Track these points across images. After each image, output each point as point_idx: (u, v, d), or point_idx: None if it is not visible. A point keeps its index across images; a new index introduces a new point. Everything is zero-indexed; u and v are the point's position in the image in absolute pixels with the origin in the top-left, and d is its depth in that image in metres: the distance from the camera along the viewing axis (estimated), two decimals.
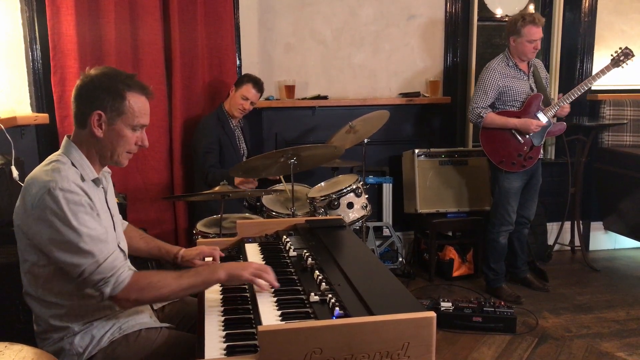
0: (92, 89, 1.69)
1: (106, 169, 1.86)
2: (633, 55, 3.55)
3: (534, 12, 4.38)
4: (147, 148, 1.82)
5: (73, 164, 1.69)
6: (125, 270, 1.63)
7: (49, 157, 1.74)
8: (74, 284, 1.68)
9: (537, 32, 3.48)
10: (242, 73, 3.90)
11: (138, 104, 1.72)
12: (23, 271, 1.73)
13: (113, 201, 1.90)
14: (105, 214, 1.79)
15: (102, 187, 1.81)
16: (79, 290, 1.70)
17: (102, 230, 1.66)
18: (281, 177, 3.50)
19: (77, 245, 1.58)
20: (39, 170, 1.68)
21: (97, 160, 1.76)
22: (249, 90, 3.53)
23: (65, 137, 1.77)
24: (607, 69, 3.54)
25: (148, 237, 2.15)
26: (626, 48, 3.55)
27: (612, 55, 3.60)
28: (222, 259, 2.05)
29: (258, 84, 3.56)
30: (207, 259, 2.04)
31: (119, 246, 1.84)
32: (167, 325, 1.88)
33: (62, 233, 1.57)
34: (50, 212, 1.57)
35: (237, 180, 3.33)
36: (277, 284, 1.66)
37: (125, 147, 1.75)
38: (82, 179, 1.69)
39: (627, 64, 3.57)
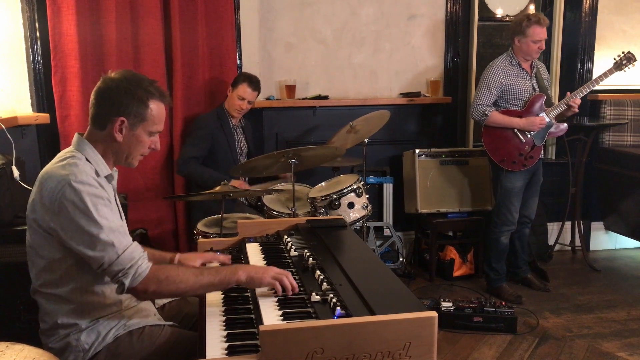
0: (117, 94, 1.71)
1: (114, 168, 1.88)
2: (635, 60, 3.58)
3: (538, 12, 4.37)
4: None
5: (87, 160, 1.72)
6: (144, 262, 1.64)
7: (60, 153, 1.75)
8: (86, 280, 1.70)
9: (541, 33, 3.50)
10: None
11: (158, 111, 1.77)
12: (36, 268, 1.73)
13: (117, 200, 1.91)
14: (117, 209, 1.81)
15: (112, 184, 1.83)
16: (91, 286, 1.72)
17: (120, 223, 1.69)
18: (288, 175, 3.50)
19: (98, 236, 1.59)
20: (53, 166, 1.69)
21: (112, 160, 1.79)
22: (244, 89, 3.52)
23: (76, 135, 1.78)
24: (609, 72, 3.58)
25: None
26: (629, 52, 3.58)
27: (614, 59, 3.62)
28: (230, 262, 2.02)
29: (253, 82, 3.54)
30: (208, 265, 2.02)
31: None
32: (170, 323, 1.89)
33: (84, 225, 1.59)
34: (72, 204, 1.59)
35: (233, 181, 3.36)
36: (296, 289, 1.66)
37: (141, 150, 1.79)
38: (97, 174, 1.71)
39: (629, 68, 3.59)
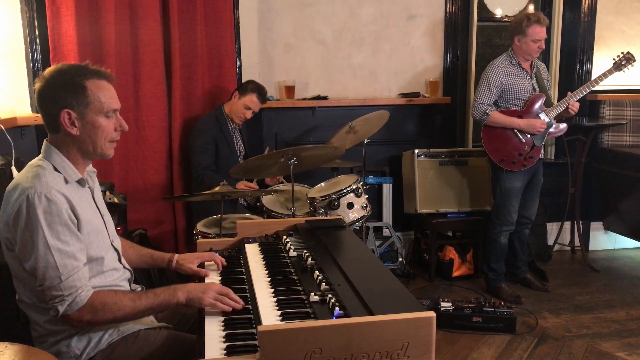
0: (51, 89, 1.65)
1: (91, 168, 1.84)
2: (634, 60, 3.60)
3: (538, 12, 4.38)
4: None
5: (55, 168, 1.67)
6: (84, 291, 1.59)
7: (31, 162, 1.71)
8: None
9: (541, 32, 3.50)
10: (242, 73, 3.90)
11: (102, 90, 1.68)
12: (14, 279, 1.71)
13: (101, 200, 1.88)
14: (95, 213, 1.78)
15: (89, 187, 1.79)
16: None
17: (76, 247, 1.62)
18: (280, 178, 3.50)
19: (45, 256, 1.55)
20: (20, 177, 1.65)
21: (80, 158, 1.73)
22: (252, 100, 3.51)
23: (44, 142, 1.73)
24: (609, 72, 3.59)
25: (138, 246, 2.12)
26: (628, 53, 3.60)
27: (614, 59, 3.63)
28: (226, 263, 2.01)
29: (262, 95, 3.54)
30: (207, 263, 2.01)
31: (112, 245, 1.83)
32: (165, 325, 1.88)
33: (33, 242, 1.55)
34: (25, 218, 1.56)
35: (240, 184, 3.35)
36: (239, 306, 1.62)
37: (105, 136, 1.70)
38: (66, 182, 1.67)
39: (628, 69, 3.61)
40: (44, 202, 1.56)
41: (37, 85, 1.68)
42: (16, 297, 1.75)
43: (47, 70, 1.69)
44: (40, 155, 1.71)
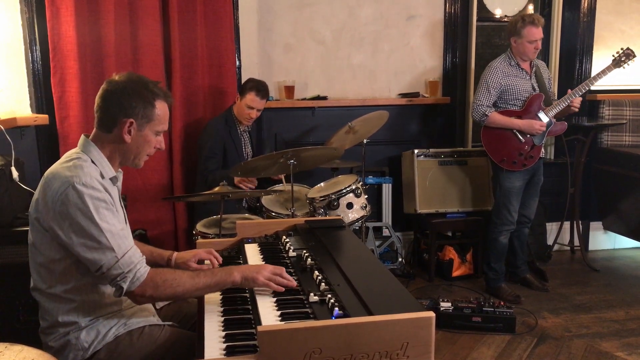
0: (124, 96, 1.72)
1: (119, 170, 1.89)
2: (634, 56, 3.58)
3: (533, 12, 4.38)
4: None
5: (93, 162, 1.73)
6: (142, 267, 1.66)
7: (67, 154, 1.77)
8: (85, 280, 1.71)
9: (537, 33, 3.50)
10: (242, 74, 3.90)
11: (163, 110, 1.80)
12: (36, 266, 1.75)
13: (122, 202, 1.93)
14: (120, 211, 1.82)
15: (117, 186, 1.84)
16: (90, 285, 1.74)
17: (121, 226, 1.70)
18: (283, 177, 3.50)
19: (99, 240, 1.61)
20: (59, 166, 1.71)
21: (117, 161, 1.81)
22: (253, 98, 3.46)
23: (82, 136, 1.79)
24: (608, 69, 3.58)
25: (139, 242, 2.15)
26: (627, 49, 3.58)
27: (613, 55, 3.62)
28: (223, 261, 2.04)
29: (261, 91, 3.47)
30: (206, 262, 2.03)
31: None
32: (170, 323, 1.91)
33: (85, 228, 1.61)
34: (74, 207, 1.61)
35: (236, 179, 3.34)
36: (293, 284, 1.68)
37: (147, 150, 1.82)
38: (102, 177, 1.73)
39: (628, 65, 3.59)
40: (90, 189, 1.63)
41: (108, 86, 1.74)
42: (30, 286, 1.79)
43: (119, 76, 1.76)
44: (78, 149, 1.77)
